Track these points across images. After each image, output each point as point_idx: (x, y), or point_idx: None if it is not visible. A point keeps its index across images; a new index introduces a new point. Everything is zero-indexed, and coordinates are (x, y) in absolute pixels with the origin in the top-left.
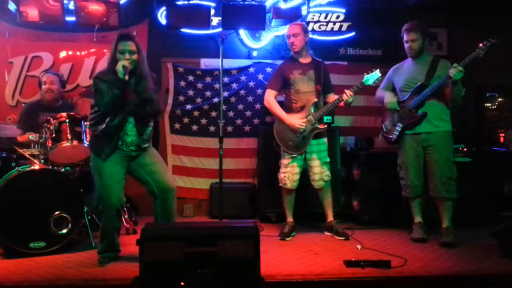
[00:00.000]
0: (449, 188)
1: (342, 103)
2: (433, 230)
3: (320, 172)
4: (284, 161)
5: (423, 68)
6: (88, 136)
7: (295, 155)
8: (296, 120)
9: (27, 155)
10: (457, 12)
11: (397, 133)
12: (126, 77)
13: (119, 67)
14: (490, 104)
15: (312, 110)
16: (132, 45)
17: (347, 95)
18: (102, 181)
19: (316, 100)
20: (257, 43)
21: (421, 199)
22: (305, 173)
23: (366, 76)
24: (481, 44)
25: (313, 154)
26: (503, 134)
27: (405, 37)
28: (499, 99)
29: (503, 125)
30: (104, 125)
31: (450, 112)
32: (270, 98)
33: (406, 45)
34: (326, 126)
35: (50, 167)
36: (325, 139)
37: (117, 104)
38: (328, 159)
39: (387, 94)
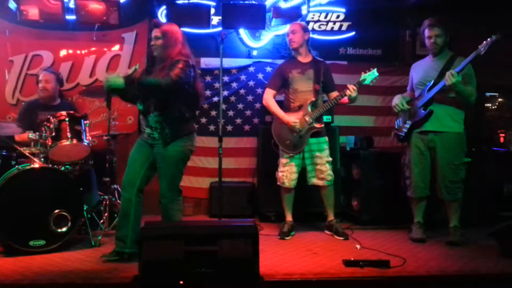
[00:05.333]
0: (451, 190)
1: (345, 99)
2: (432, 230)
3: (324, 170)
4: (282, 160)
5: (439, 65)
6: (87, 134)
7: (293, 154)
8: (291, 118)
9: (27, 154)
10: (458, 12)
11: (406, 130)
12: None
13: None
14: (490, 104)
15: (310, 109)
16: (156, 31)
17: (351, 90)
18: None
19: (313, 99)
20: (257, 42)
21: (425, 202)
22: (304, 173)
23: (363, 75)
24: (484, 42)
25: (315, 153)
26: (503, 134)
27: (427, 33)
28: (499, 99)
29: (503, 125)
30: None
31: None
32: (268, 97)
33: (428, 41)
34: (323, 125)
35: (50, 165)
36: (325, 138)
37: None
38: (330, 158)
39: (395, 97)
